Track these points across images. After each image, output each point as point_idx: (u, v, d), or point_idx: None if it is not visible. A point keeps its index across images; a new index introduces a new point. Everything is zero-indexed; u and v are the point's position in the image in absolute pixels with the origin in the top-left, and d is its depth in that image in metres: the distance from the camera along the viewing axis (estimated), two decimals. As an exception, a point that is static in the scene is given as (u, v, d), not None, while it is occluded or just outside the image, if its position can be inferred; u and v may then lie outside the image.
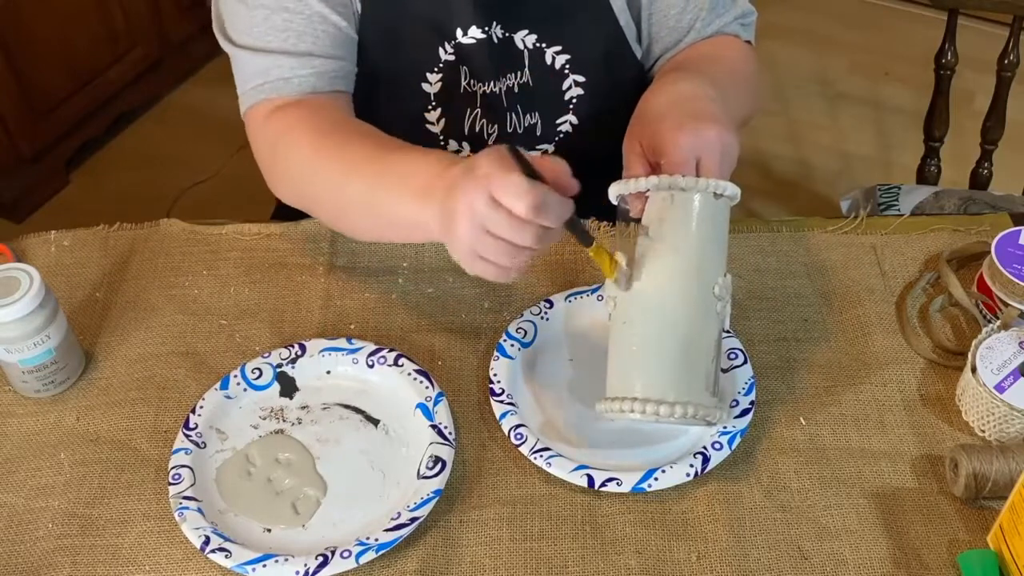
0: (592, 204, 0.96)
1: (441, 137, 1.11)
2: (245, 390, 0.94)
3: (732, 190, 0.85)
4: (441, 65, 1.07)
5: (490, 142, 1.12)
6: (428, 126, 1.10)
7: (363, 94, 1.07)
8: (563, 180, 0.80)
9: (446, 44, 1.05)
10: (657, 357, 0.84)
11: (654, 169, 0.88)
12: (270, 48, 0.99)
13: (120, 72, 2.44)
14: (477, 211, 0.77)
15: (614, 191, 0.88)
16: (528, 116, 1.11)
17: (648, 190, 0.86)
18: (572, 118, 1.12)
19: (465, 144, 1.12)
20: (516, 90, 1.09)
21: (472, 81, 1.07)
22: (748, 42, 1.13)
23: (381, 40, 1.05)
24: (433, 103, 1.08)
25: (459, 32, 1.05)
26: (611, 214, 1.05)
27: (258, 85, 1.00)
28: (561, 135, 1.13)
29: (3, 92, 2.14)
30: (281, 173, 1.00)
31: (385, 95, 1.08)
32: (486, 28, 1.05)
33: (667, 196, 0.85)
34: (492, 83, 1.08)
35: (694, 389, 0.84)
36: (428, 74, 1.07)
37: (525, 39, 1.07)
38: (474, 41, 1.05)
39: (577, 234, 0.83)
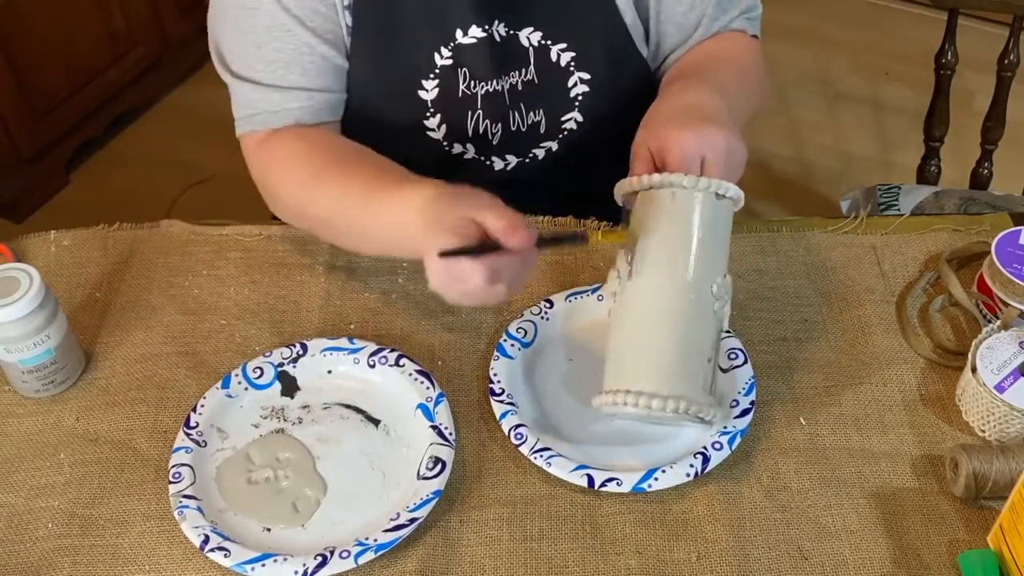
0: (595, 201, 0.96)
1: (445, 143, 1.11)
2: (246, 389, 0.94)
3: (735, 192, 0.86)
4: (437, 71, 1.06)
5: (494, 142, 1.11)
6: (429, 133, 1.10)
7: (360, 107, 1.08)
8: (516, 234, 0.80)
9: (442, 48, 1.05)
10: (651, 351, 0.84)
11: (659, 171, 0.88)
12: (258, 80, 1.02)
13: (120, 72, 2.44)
14: (439, 282, 0.83)
15: (618, 191, 0.89)
16: (532, 114, 1.11)
17: (650, 188, 0.86)
18: (577, 115, 1.11)
19: (469, 146, 1.12)
20: (520, 87, 1.09)
21: (472, 82, 1.07)
22: (755, 36, 1.13)
23: (373, 52, 1.05)
24: (432, 109, 1.08)
25: (459, 33, 1.04)
26: (611, 209, 1.04)
27: (247, 115, 1.04)
28: (565, 132, 1.13)
29: (3, 92, 2.14)
30: (272, 197, 1.05)
31: (382, 107, 1.08)
32: (487, 27, 1.04)
33: (668, 194, 0.85)
34: (494, 82, 1.08)
35: (688, 385, 0.84)
36: (424, 81, 1.07)
37: (530, 36, 1.06)
38: (475, 40, 1.05)
39: (566, 243, 0.89)
